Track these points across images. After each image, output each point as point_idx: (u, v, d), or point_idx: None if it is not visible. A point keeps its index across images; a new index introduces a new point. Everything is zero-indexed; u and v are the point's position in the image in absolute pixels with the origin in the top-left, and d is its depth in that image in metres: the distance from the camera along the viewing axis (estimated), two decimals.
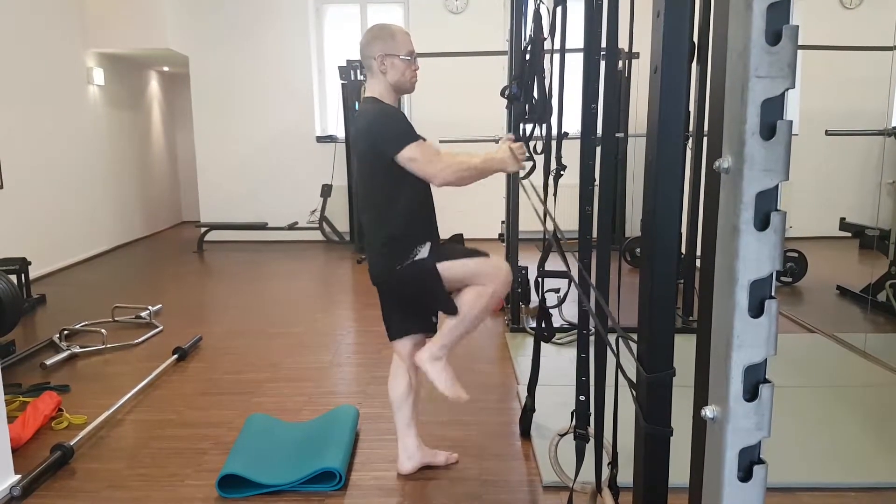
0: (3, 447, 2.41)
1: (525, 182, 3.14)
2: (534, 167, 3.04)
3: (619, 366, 1.43)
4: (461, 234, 7.12)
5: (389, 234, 2.26)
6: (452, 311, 2.29)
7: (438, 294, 2.27)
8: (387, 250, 2.28)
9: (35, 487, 2.41)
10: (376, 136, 2.20)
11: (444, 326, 2.32)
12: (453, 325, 2.28)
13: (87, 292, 5.58)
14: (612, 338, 1.61)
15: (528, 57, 2.89)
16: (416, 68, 2.31)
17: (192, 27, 7.62)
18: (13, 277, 4.51)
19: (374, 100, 2.28)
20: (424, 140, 2.21)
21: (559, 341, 3.87)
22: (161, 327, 4.37)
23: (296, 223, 7.61)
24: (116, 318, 4.52)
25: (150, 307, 4.64)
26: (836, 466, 2.47)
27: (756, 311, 0.82)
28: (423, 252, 2.24)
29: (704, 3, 3.77)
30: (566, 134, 2.51)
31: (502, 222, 5.95)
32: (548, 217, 2.48)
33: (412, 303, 2.39)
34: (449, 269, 2.25)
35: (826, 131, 5.46)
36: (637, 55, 6.01)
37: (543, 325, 2.65)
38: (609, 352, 1.66)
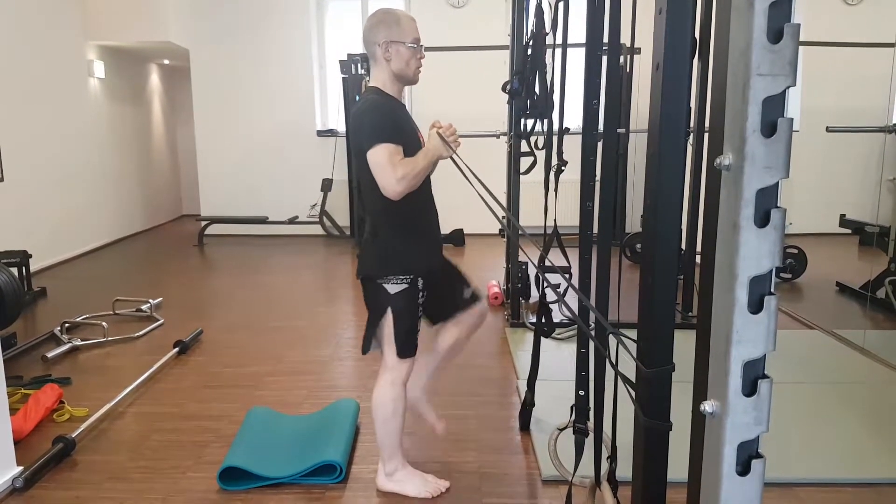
0: (5, 439, 2.42)
1: (526, 178, 3.14)
2: (534, 163, 3.05)
3: (612, 365, 1.43)
4: (461, 230, 7.13)
5: (376, 236, 2.20)
6: (365, 348, 2.29)
7: (373, 326, 2.24)
8: (369, 254, 2.22)
9: (37, 479, 2.42)
10: (361, 128, 2.10)
11: (378, 436, 2.32)
12: (378, 430, 2.30)
13: (88, 285, 5.59)
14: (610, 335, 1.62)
15: (529, 52, 2.90)
16: (421, 57, 2.20)
17: (193, 20, 7.61)
18: (14, 270, 4.52)
19: (376, 90, 2.18)
20: (405, 145, 2.10)
21: (559, 336, 3.88)
22: (162, 320, 4.38)
23: (296, 217, 7.61)
24: (117, 312, 4.53)
25: (150, 300, 4.65)
26: (834, 462, 2.48)
27: (755, 307, 0.83)
28: (394, 288, 2.16)
29: (706, 0, 3.77)
30: (567, 129, 2.51)
31: (503, 217, 5.96)
32: (548, 212, 2.49)
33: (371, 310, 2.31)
34: (388, 323, 2.19)
35: (827, 128, 5.46)
36: (639, 51, 6.00)
37: (543, 321, 2.66)
38: (608, 348, 1.67)
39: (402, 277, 2.17)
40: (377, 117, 2.10)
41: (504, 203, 4.96)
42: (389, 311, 2.18)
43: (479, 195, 2.02)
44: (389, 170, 2.02)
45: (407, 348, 2.23)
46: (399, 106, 2.22)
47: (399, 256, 2.18)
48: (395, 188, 2.03)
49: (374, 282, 2.20)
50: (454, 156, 2.12)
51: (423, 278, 2.21)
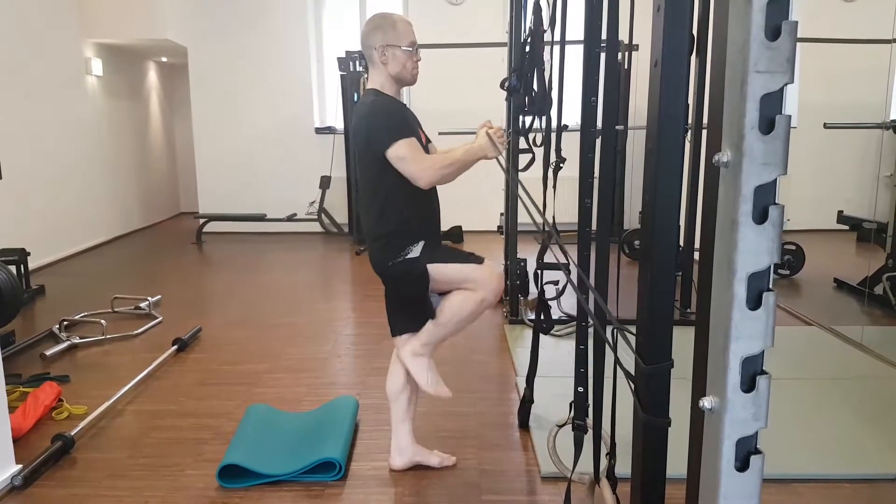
0: (4, 437, 2.42)
1: (523, 175, 3.14)
2: (533, 159, 3.04)
3: (616, 359, 1.44)
4: (460, 227, 7.13)
5: (383, 229, 2.25)
6: (432, 316, 2.29)
7: (421, 297, 2.26)
8: (379, 245, 2.27)
9: (36, 477, 2.42)
10: (370, 130, 2.16)
11: (429, 324, 2.30)
12: (437, 325, 2.28)
13: (87, 283, 5.58)
14: (610, 330, 1.62)
15: (527, 49, 2.89)
16: (417, 59, 2.25)
17: (191, 17, 7.59)
18: (12, 268, 4.51)
19: (375, 91, 2.24)
20: (416, 138, 2.17)
21: (558, 333, 3.88)
22: (160, 318, 4.37)
23: (294, 214, 7.60)
24: (116, 309, 4.53)
25: (149, 298, 4.65)
26: (832, 458, 2.49)
27: (754, 303, 0.83)
28: (415, 251, 2.22)
29: None
30: (566, 126, 2.51)
31: (501, 214, 5.96)
32: (547, 209, 2.49)
33: (407, 301, 2.35)
34: (441, 271, 2.22)
35: (824, 124, 5.46)
36: (637, 47, 6.00)
37: (542, 317, 2.66)
38: (608, 344, 1.67)
39: (412, 244, 2.22)
40: (388, 117, 2.17)
41: (503, 200, 4.96)
42: (428, 266, 2.21)
43: (519, 197, 2.03)
44: (414, 162, 2.11)
45: (473, 257, 2.29)
46: (403, 105, 2.29)
47: (405, 235, 2.23)
48: (424, 175, 2.12)
49: (395, 265, 2.23)
50: (500, 157, 2.21)
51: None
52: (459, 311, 2.25)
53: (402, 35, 2.21)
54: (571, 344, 2.39)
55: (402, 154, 2.11)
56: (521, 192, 2.05)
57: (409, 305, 2.33)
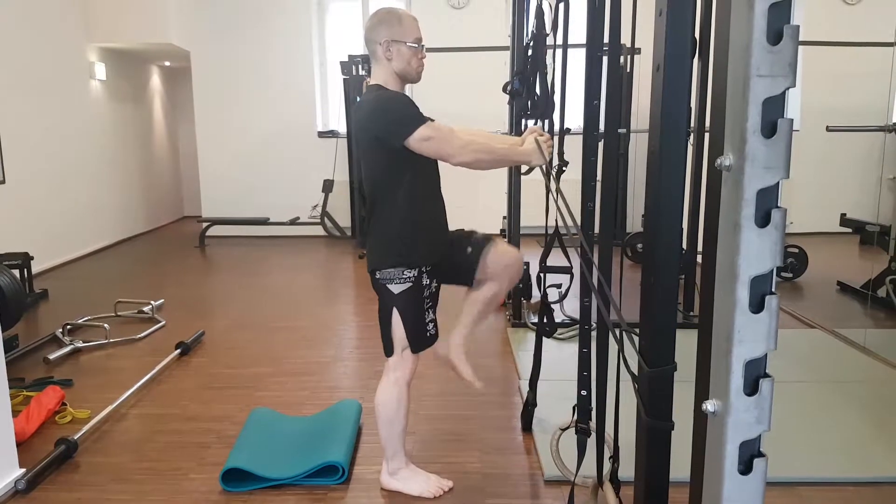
0: (7, 441, 2.42)
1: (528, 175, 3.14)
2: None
3: (623, 359, 1.44)
4: (462, 230, 7.12)
5: (383, 231, 2.19)
6: (386, 350, 2.29)
7: (384, 326, 2.25)
8: (376, 246, 2.21)
9: (39, 481, 2.42)
10: (380, 123, 2.08)
11: (381, 437, 2.32)
12: (381, 429, 2.31)
13: (90, 287, 5.59)
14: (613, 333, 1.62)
15: (530, 52, 2.90)
16: (422, 56, 2.20)
17: (194, 21, 7.62)
18: (16, 272, 4.52)
19: (379, 87, 2.17)
20: (433, 121, 2.11)
21: (560, 336, 3.88)
22: (164, 322, 4.38)
23: (297, 218, 7.61)
24: (119, 313, 4.54)
25: (152, 302, 4.66)
26: (836, 461, 2.48)
27: (757, 306, 0.83)
28: (397, 288, 2.17)
29: (706, 1, 3.76)
30: (568, 130, 2.51)
31: (504, 217, 5.96)
32: (549, 212, 2.49)
33: (380, 313, 2.30)
34: (396, 322, 2.21)
35: (827, 127, 5.45)
36: (639, 51, 6.01)
37: (545, 320, 2.66)
38: (611, 346, 1.67)
39: (405, 276, 2.16)
40: (402, 107, 2.10)
41: (506, 203, 4.96)
42: (395, 310, 2.20)
43: (557, 206, 2.01)
44: (446, 141, 2.06)
45: (419, 342, 2.24)
46: (409, 97, 2.23)
47: (403, 246, 2.16)
48: (460, 153, 2.06)
49: (379, 279, 2.21)
50: (544, 166, 2.15)
51: (428, 272, 2.21)
52: (386, 402, 2.26)
53: (408, 31, 2.15)
54: (574, 347, 2.39)
55: (428, 134, 2.04)
56: (557, 198, 2.01)
57: (381, 319, 2.28)
